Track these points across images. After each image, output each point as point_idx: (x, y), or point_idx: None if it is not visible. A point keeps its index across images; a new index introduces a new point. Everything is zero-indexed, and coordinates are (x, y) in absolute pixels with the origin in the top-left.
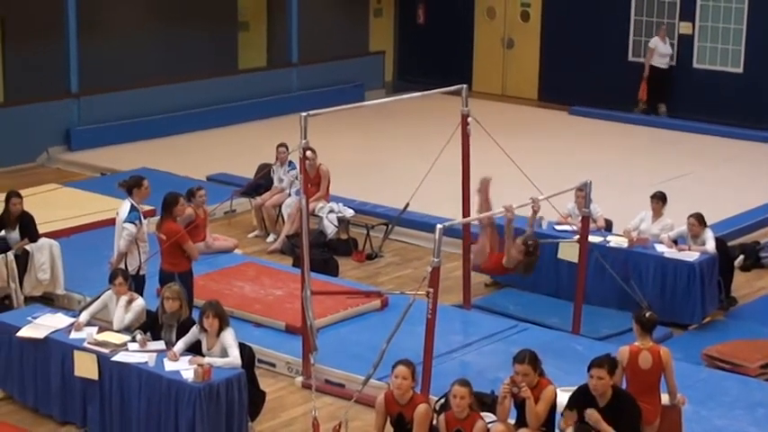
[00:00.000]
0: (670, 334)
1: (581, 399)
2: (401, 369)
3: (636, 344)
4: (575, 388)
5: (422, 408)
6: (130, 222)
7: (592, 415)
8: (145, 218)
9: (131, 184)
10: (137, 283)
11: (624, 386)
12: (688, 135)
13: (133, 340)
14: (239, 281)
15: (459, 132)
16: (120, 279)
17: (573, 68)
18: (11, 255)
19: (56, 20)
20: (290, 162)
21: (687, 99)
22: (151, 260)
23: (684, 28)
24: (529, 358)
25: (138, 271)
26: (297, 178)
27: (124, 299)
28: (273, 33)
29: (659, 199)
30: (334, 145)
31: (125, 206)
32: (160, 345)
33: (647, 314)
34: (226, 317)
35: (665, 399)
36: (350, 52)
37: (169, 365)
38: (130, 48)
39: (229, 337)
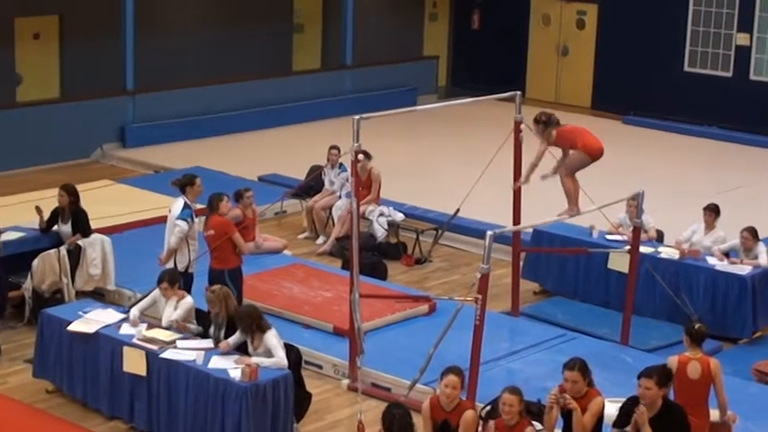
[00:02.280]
0: (720, 347)
1: (631, 409)
2: (452, 379)
3: (686, 354)
4: (623, 400)
5: (469, 414)
6: (183, 219)
7: (642, 414)
8: (196, 216)
9: (184, 182)
10: (185, 281)
11: (672, 397)
12: (744, 147)
13: (183, 338)
14: (288, 282)
15: (511, 139)
16: (165, 284)
17: (628, 77)
18: (63, 249)
19: (113, 18)
20: (341, 164)
21: (744, 111)
22: (200, 259)
23: (742, 39)
24: (579, 366)
25: (188, 269)
26: (347, 180)
27: (174, 297)
28: (328, 36)
29: (712, 211)
30: (386, 148)
31: (178, 203)
32: (208, 343)
33: (697, 326)
34: (259, 322)
35: (714, 415)
36: (404, 56)
37: (216, 363)
38: (186, 47)
39: (273, 339)
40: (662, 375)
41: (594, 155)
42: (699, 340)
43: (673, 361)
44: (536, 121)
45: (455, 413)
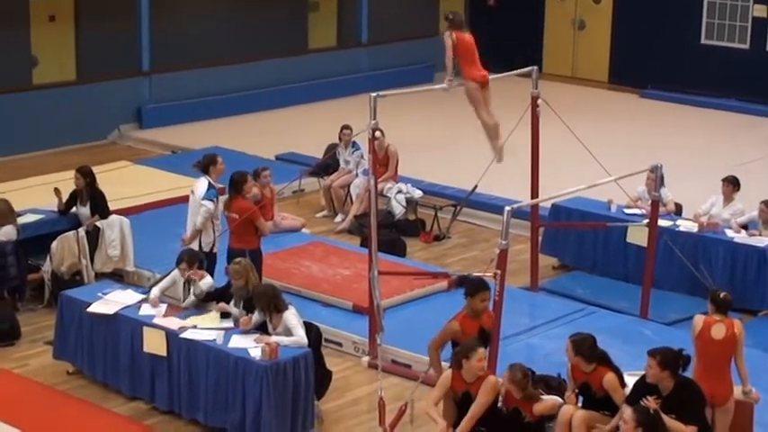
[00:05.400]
0: (740, 320)
1: (643, 387)
2: (481, 352)
3: (712, 316)
4: (642, 373)
5: (491, 379)
6: (209, 200)
7: (648, 404)
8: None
9: (207, 163)
10: (210, 261)
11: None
12: (761, 119)
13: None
14: (307, 260)
15: (528, 114)
16: (184, 264)
17: (644, 51)
18: (82, 231)
19: None
20: (354, 143)
21: (761, 83)
22: (221, 238)
23: (759, 11)
24: (571, 342)
25: (212, 249)
26: (363, 158)
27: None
28: (344, 13)
29: (731, 183)
30: (403, 125)
31: (202, 184)
32: (227, 323)
33: (723, 294)
34: (276, 302)
35: (737, 392)
36: (420, 33)
37: (236, 342)
38: (202, 26)
39: (292, 318)
40: (666, 358)
41: (478, 82)
42: (724, 309)
43: (699, 320)
44: (445, 18)
45: (475, 384)
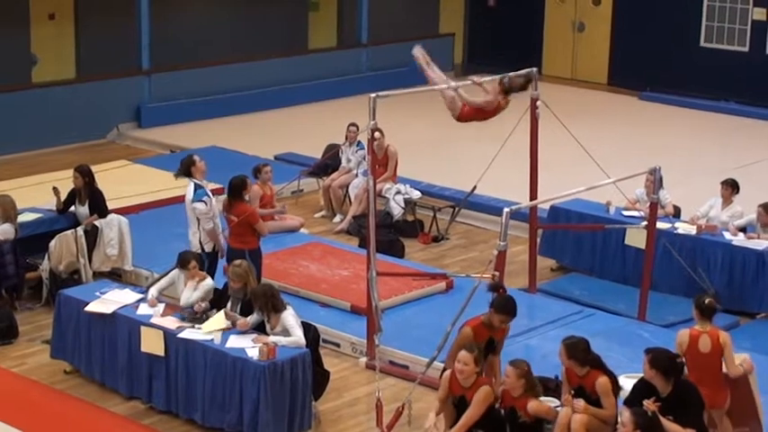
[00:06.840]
0: (737, 323)
1: (642, 389)
2: (463, 355)
3: (696, 327)
4: (640, 375)
5: (485, 389)
6: (199, 201)
7: (647, 406)
8: (214, 194)
9: (187, 165)
10: (212, 261)
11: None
12: (760, 122)
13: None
14: (305, 260)
15: (528, 116)
16: (193, 263)
17: (644, 53)
18: (80, 230)
19: None
20: (359, 142)
21: (760, 86)
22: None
23: (758, 14)
24: (564, 346)
25: (215, 248)
26: (365, 159)
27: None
28: (344, 14)
29: (729, 185)
30: (402, 126)
31: (190, 187)
32: (225, 323)
33: (707, 300)
34: (274, 301)
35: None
36: (420, 34)
37: (233, 342)
38: (201, 26)
39: (290, 319)
40: (657, 358)
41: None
42: (709, 314)
43: (684, 335)
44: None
45: (472, 389)
